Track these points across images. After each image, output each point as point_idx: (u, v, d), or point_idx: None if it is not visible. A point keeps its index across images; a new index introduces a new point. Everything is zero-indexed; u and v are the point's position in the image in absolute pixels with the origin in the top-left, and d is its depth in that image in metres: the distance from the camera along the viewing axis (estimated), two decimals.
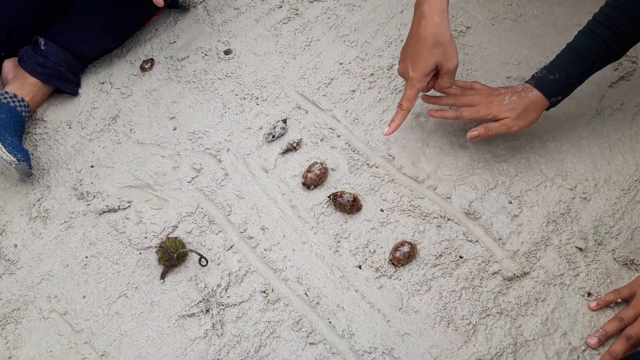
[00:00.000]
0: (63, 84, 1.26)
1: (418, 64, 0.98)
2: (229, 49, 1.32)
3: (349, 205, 1.05)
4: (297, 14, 1.36)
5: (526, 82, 1.04)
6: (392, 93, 1.22)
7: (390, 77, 1.24)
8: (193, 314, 0.99)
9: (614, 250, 1.01)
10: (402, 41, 1.28)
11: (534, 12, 1.31)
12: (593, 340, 0.92)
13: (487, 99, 1.03)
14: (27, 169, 1.10)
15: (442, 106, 1.09)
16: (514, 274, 0.99)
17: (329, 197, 1.07)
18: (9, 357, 0.98)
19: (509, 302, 0.97)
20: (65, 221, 1.12)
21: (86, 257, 1.07)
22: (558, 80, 1.00)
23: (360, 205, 1.07)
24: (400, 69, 1.03)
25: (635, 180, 1.08)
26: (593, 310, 0.96)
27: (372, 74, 1.25)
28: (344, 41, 1.31)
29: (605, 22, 0.97)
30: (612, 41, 0.97)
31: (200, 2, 1.40)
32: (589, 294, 0.97)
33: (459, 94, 1.07)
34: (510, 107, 1.01)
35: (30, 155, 1.14)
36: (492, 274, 1.00)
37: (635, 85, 1.19)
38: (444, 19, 0.96)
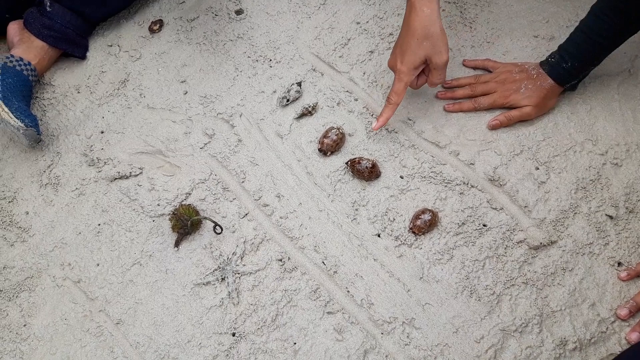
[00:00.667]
0: (70, 47, 1.21)
1: (406, 57, 0.95)
2: (241, 8, 1.26)
3: (367, 171, 1.01)
4: None
5: (540, 64, 1.03)
6: None
7: None
8: (208, 282, 0.97)
9: None
10: None
11: None
12: (623, 312, 0.88)
13: (502, 86, 1.04)
14: (36, 134, 1.07)
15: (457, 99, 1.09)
16: (541, 243, 0.95)
17: (347, 163, 1.03)
18: (24, 325, 0.97)
19: (535, 272, 0.94)
20: (76, 188, 1.09)
21: (99, 224, 1.05)
22: (570, 69, 0.99)
23: (379, 171, 1.03)
24: (389, 62, 1.00)
25: None
26: (623, 280, 0.92)
27: (391, 34, 1.19)
28: None
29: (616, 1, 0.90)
30: (626, 18, 0.91)
31: None
32: (619, 264, 0.93)
33: (473, 82, 1.07)
34: (527, 95, 1.02)
35: (39, 121, 1.11)
36: (517, 242, 0.96)
37: None
38: (435, 11, 0.92)
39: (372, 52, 1.17)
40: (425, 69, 0.99)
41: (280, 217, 1.02)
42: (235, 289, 0.95)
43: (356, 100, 1.12)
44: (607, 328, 0.89)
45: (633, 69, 1.10)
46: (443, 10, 1.20)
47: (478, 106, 1.05)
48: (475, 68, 1.12)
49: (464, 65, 1.13)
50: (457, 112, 1.07)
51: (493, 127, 1.05)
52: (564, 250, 0.95)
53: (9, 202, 1.09)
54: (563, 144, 1.03)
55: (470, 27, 1.18)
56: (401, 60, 0.96)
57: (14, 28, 1.21)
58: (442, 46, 0.94)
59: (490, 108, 1.06)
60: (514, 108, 1.03)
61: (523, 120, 1.05)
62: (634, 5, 0.89)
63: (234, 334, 0.92)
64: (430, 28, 0.92)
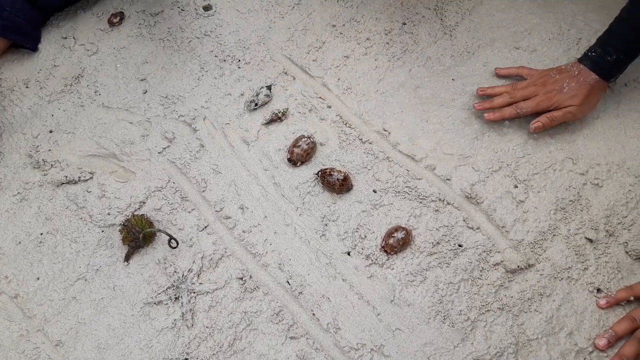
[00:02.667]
0: (20, 38, 1.11)
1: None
2: (209, 4, 1.17)
3: (338, 184, 0.94)
4: None
5: (579, 61, 0.98)
6: (389, 60, 1.10)
7: (387, 43, 1.12)
8: (160, 302, 0.88)
9: (626, 242, 0.92)
10: (402, 3, 1.16)
11: None
12: (602, 342, 0.84)
13: (544, 88, 0.98)
14: None
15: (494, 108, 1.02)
16: (518, 266, 0.90)
17: (317, 173, 0.96)
18: None
19: (511, 297, 0.88)
20: (18, 192, 0.99)
21: (41, 233, 0.95)
22: (616, 61, 0.94)
23: (351, 184, 0.96)
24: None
25: None
26: (602, 308, 0.87)
27: (368, 39, 1.12)
28: (337, 0, 1.17)
29: None
30: None
31: None
32: (599, 290, 0.89)
33: (510, 90, 1.01)
34: (571, 94, 0.96)
35: None
36: (494, 265, 0.91)
37: None
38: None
39: (347, 57, 1.11)
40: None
41: (243, 231, 0.94)
42: (190, 309, 0.87)
43: (329, 107, 1.05)
44: (584, 358, 0.84)
45: (615, 86, 1.06)
46: (423, 17, 1.14)
47: (520, 111, 0.98)
48: (508, 76, 1.06)
49: (496, 74, 1.06)
50: (499, 119, 1.00)
51: (535, 130, 0.98)
52: (541, 275, 0.90)
53: None
54: (543, 161, 0.99)
55: (451, 36, 1.13)
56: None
57: None
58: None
59: (534, 113, 0.98)
60: (558, 109, 0.97)
61: (568, 121, 0.99)
62: None
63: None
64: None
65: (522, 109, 0.99)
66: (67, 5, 1.17)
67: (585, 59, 0.98)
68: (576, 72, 0.97)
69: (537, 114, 0.99)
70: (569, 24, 1.13)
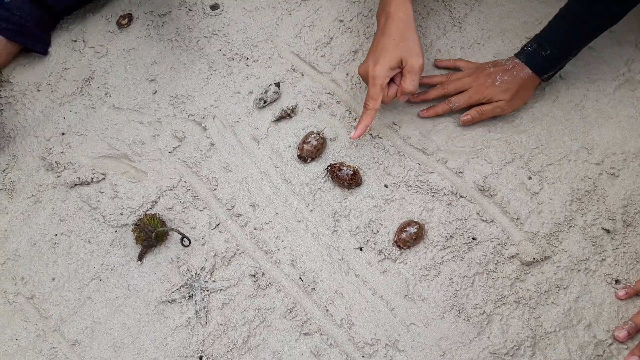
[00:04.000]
0: (31, 42, 1.12)
1: (381, 58, 0.90)
2: (216, 3, 1.17)
3: (347, 178, 0.93)
4: None
5: (515, 55, 0.97)
6: None
7: None
8: (174, 300, 0.89)
9: None
10: None
11: None
12: (621, 334, 0.82)
13: (477, 81, 0.97)
14: None
15: (428, 103, 1.01)
16: (534, 259, 0.88)
17: (327, 168, 0.96)
18: None
19: (528, 290, 0.87)
20: (32, 195, 1.00)
21: (56, 235, 0.96)
22: (550, 57, 0.93)
23: (361, 179, 0.96)
24: (360, 69, 0.94)
25: None
26: (621, 299, 0.86)
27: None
28: None
29: None
30: (607, 5, 0.87)
31: None
32: (617, 281, 0.87)
33: (445, 80, 1.00)
34: (503, 88, 0.95)
35: None
36: (509, 258, 0.89)
37: None
38: (410, 17, 0.92)
39: (356, 52, 1.10)
40: (397, 77, 0.93)
41: (255, 229, 0.94)
42: (204, 307, 0.87)
43: (338, 102, 1.05)
44: (604, 351, 0.82)
45: (629, 73, 1.04)
46: (431, 9, 1.13)
47: (453, 106, 0.97)
48: (447, 68, 1.05)
49: (435, 66, 1.06)
50: (433, 116, 0.99)
51: (465, 123, 0.98)
52: (558, 267, 0.89)
53: None
54: (557, 152, 0.97)
55: (460, 27, 1.11)
56: (375, 63, 0.90)
57: None
58: (418, 49, 0.89)
59: (466, 106, 0.98)
60: (489, 103, 0.96)
61: (496, 116, 0.98)
62: None
63: (201, 357, 0.84)
64: (406, 32, 0.90)
65: (454, 103, 0.98)
66: (76, 8, 1.18)
67: (521, 53, 0.96)
68: (510, 66, 0.96)
69: (470, 106, 0.98)
70: None
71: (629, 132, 0.99)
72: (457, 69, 1.04)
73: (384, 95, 0.92)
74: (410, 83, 0.90)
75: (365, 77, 0.93)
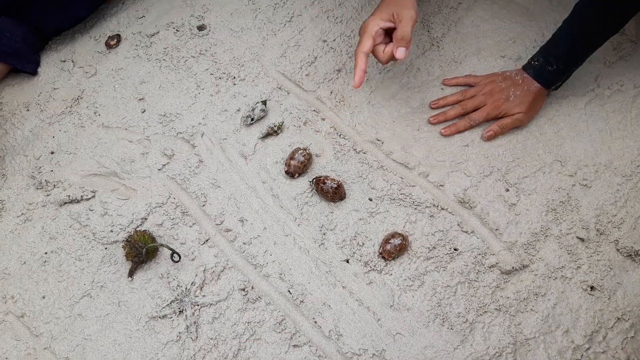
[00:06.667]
0: (20, 63, 1.14)
1: (376, 12, 0.95)
2: (203, 24, 1.21)
3: (331, 191, 0.97)
4: None
5: (523, 68, 1.03)
6: (379, 73, 1.13)
7: None
8: (165, 315, 0.90)
9: (617, 240, 0.95)
10: None
11: None
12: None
13: (492, 97, 1.03)
14: None
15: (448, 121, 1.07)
16: (512, 267, 0.92)
17: (312, 181, 0.99)
18: None
19: (508, 298, 0.91)
20: (22, 213, 1.01)
21: (46, 253, 0.97)
22: (556, 71, 0.99)
23: (344, 193, 0.99)
24: (360, 28, 0.98)
25: (638, 166, 1.01)
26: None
27: None
28: (327, 17, 1.21)
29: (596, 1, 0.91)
30: (609, 14, 0.92)
31: None
32: (592, 288, 0.91)
33: (461, 98, 1.06)
34: (517, 102, 1.01)
35: None
36: (489, 267, 0.93)
37: (634, 65, 1.13)
38: None
39: (339, 70, 1.14)
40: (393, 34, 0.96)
41: (244, 243, 0.96)
42: (194, 322, 0.89)
43: (323, 119, 1.08)
44: (581, 355, 0.86)
45: (598, 89, 1.10)
46: None
47: (473, 122, 1.03)
48: (457, 86, 1.10)
49: (444, 84, 1.10)
50: (455, 133, 1.04)
51: (488, 138, 1.03)
52: (536, 275, 0.92)
53: None
54: (532, 165, 1.02)
55: (438, 47, 1.16)
56: (369, 17, 0.95)
57: None
58: (409, 4, 0.93)
59: (484, 122, 1.04)
60: (506, 117, 1.03)
61: (516, 127, 1.04)
62: (617, 1, 0.90)
63: None
64: None
65: (474, 120, 1.04)
66: (66, 30, 1.20)
67: (528, 67, 1.02)
68: (520, 81, 1.02)
69: (487, 122, 1.04)
70: (551, 31, 1.16)
71: (600, 145, 1.04)
72: (467, 85, 1.09)
73: (379, 54, 0.95)
74: (401, 31, 0.92)
75: (361, 32, 0.96)
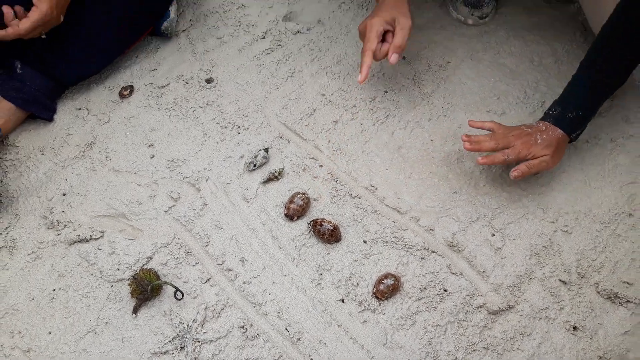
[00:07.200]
0: (38, 110, 1.22)
1: (379, 13, 1.08)
2: (211, 77, 1.31)
3: (328, 233, 1.03)
4: (280, 45, 1.37)
5: (543, 120, 1.08)
6: (374, 124, 1.22)
7: (372, 109, 1.24)
8: (167, 352, 0.94)
9: (597, 283, 1.00)
10: (384, 74, 1.30)
11: (512, 49, 1.34)
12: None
13: (521, 139, 1.06)
14: None
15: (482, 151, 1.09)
16: (499, 308, 0.97)
17: (309, 223, 1.05)
18: None
19: (495, 337, 0.95)
20: (33, 252, 1.06)
21: (54, 290, 1.01)
22: (576, 118, 1.06)
23: (340, 235, 1.05)
24: (360, 26, 1.12)
25: (615, 214, 1.08)
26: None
27: (354, 106, 1.25)
28: (326, 73, 1.31)
29: (607, 50, 1.02)
30: (617, 69, 1.03)
31: (183, 31, 1.39)
32: (575, 328, 0.96)
33: (493, 138, 1.07)
34: (545, 144, 1.05)
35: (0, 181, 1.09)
36: (477, 307, 0.98)
37: (610, 121, 1.22)
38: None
39: (336, 122, 1.23)
40: (388, 36, 1.09)
41: (244, 282, 1.01)
42: (195, 357, 0.93)
43: (321, 166, 1.16)
44: None
45: (578, 143, 1.19)
46: (402, 85, 1.28)
47: (507, 157, 1.05)
48: (480, 129, 1.13)
49: (469, 125, 1.11)
50: (490, 164, 1.06)
51: (515, 177, 1.05)
52: (521, 315, 0.97)
53: None
54: (516, 211, 1.09)
55: (428, 102, 1.26)
56: (372, 17, 1.08)
57: None
58: (407, 13, 1.08)
59: (515, 160, 1.05)
60: (534, 159, 1.05)
61: (542, 170, 1.06)
62: (616, 61, 1.02)
63: None
64: (398, 2, 1.09)
65: (508, 155, 1.05)
66: (82, 80, 1.29)
67: (547, 117, 1.09)
68: (544, 127, 1.07)
69: (517, 161, 1.06)
70: (533, 89, 1.27)
71: (579, 194, 1.11)
72: (490, 130, 1.11)
73: (376, 51, 1.08)
74: (400, 38, 1.06)
75: (363, 31, 1.09)
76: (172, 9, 1.35)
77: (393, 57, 1.07)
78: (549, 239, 1.05)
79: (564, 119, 1.07)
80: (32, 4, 1.08)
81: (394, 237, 1.05)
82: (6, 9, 1.08)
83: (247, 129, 1.22)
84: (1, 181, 1.14)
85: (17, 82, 1.19)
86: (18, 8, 1.10)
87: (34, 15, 1.07)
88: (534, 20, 1.37)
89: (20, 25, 1.07)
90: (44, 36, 1.14)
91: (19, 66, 1.19)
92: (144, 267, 1.01)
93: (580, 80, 1.07)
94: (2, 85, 1.18)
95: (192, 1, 1.43)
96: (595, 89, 1.06)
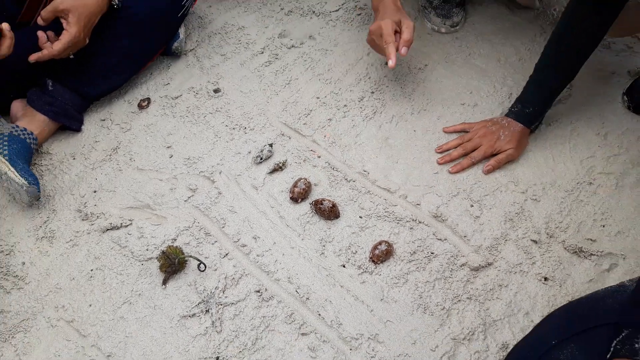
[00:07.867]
0: (68, 121, 1.38)
1: (388, 15, 1.27)
2: (218, 88, 1.48)
3: (328, 210, 1.18)
4: (277, 58, 1.55)
5: (507, 115, 1.29)
6: (363, 120, 1.39)
7: (361, 107, 1.42)
8: (194, 314, 1.08)
9: (564, 241, 1.16)
10: (369, 78, 1.48)
11: (481, 51, 1.53)
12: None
13: (486, 138, 1.28)
14: (37, 192, 1.21)
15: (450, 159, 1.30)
16: (480, 265, 1.12)
17: (311, 203, 1.21)
18: None
19: (477, 289, 1.10)
20: (70, 240, 1.21)
21: (91, 270, 1.16)
22: (533, 112, 1.26)
23: (338, 211, 1.20)
24: (372, 27, 1.28)
25: (577, 183, 1.25)
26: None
27: (345, 105, 1.43)
28: (319, 79, 1.49)
29: (555, 56, 1.22)
30: (565, 70, 1.22)
31: (191, 50, 1.58)
32: (545, 279, 1.11)
33: (460, 142, 1.30)
34: (507, 139, 1.26)
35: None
36: (460, 265, 1.13)
37: (570, 107, 1.39)
38: (398, 3, 1.31)
39: (330, 119, 1.40)
40: (395, 35, 1.26)
41: (257, 255, 1.16)
42: (219, 318, 1.07)
43: (319, 157, 1.32)
44: None
45: (542, 125, 1.36)
46: (387, 86, 1.46)
47: (474, 160, 1.27)
48: (454, 132, 1.35)
49: (444, 131, 1.34)
50: (460, 171, 1.26)
51: (488, 172, 1.26)
52: (499, 270, 1.12)
53: (6, 254, 1.19)
54: (491, 185, 1.25)
55: (410, 99, 1.43)
56: (382, 18, 1.26)
57: (17, 105, 1.38)
58: (408, 17, 1.29)
59: (483, 159, 1.27)
60: (500, 153, 1.26)
61: (509, 161, 1.26)
62: (563, 64, 1.22)
63: (217, 358, 1.02)
64: (397, 10, 1.29)
65: (474, 158, 1.27)
66: (105, 94, 1.46)
67: (510, 113, 1.29)
68: (506, 124, 1.28)
69: (485, 158, 1.28)
70: (501, 84, 1.45)
71: (545, 169, 1.28)
72: (463, 131, 1.34)
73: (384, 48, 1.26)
74: (407, 33, 1.25)
75: (377, 30, 1.26)
76: (181, 31, 1.53)
77: (404, 50, 1.25)
78: (521, 206, 1.21)
79: (523, 114, 1.27)
80: (61, 30, 1.26)
81: (385, 212, 1.21)
82: (40, 34, 1.26)
83: (253, 129, 1.39)
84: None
85: (49, 97, 1.35)
86: (50, 33, 1.28)
87: (65, 37, 1.25)
88: (499, 26, 1.57)
89: (54, 47, 1.25)
90: (72, 56, 1.31)
91: (50, 83, 1.37)
92: (170, 245, 1.16)
93: (535, 81, 1.27)
94: (37, 100, 1.35)
95: (197, 24, 1.62)
96: (548, 88, 1.25)
